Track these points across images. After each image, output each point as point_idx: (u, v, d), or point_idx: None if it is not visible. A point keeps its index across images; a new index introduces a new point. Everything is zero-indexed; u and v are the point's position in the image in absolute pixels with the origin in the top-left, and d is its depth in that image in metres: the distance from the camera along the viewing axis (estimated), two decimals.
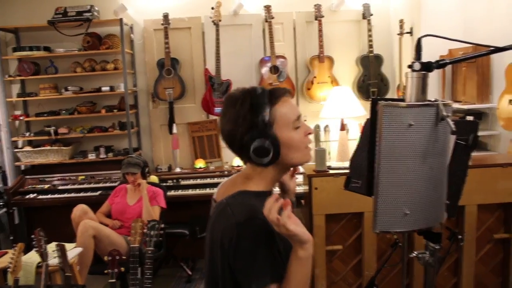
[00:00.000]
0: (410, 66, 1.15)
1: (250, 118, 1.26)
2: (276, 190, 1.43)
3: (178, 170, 4.69)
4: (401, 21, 4.44)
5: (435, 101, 1.13)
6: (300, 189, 3.13)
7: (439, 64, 1.16)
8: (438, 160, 1.16)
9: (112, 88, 4.61)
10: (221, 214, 1.30)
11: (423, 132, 1.12)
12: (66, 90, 4.66)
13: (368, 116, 1.42)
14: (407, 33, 4.42)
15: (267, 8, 4.59)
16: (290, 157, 1.31)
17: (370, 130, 1.28)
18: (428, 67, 1.15)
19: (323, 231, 2.92)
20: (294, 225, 1.14)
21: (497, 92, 3.34)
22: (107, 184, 4.54)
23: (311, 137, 1.39)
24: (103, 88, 4.62)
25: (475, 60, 3.52)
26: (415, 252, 1.45)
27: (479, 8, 3.73)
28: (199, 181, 4.54)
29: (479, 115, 3.64)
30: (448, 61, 1.17)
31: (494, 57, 3.51)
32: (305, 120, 1.37)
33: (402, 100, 1.26)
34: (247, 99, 1.28)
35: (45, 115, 4.69)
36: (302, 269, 1.17)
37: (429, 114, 1.12)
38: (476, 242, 2.98)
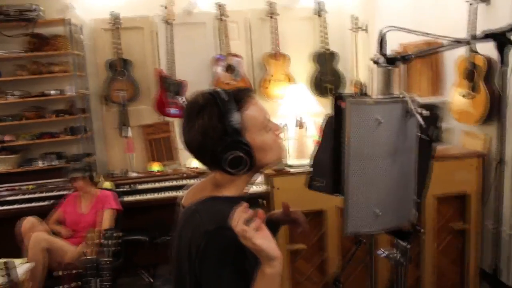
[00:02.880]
0: (375, 62, 1.11)
1: (221, 128, 1.17)
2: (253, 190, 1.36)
3: (134, 174, 4.54)
4: (355, 18, 4.47)
5: (403, 96, 1.09)
6: (260, 189, 3.08)
7: (405, 59, 1.12)
8: (407, 156, 1.12)
9: (61, 92, 4.40)
10: (189, 221, 1.22)
11: (392, 129, 1.07)
12: (11, 95, 4.40)
13: (325, 113, 1.37)
14: (361, 29, 4.45)
15: (220, 6, 4.51)
16: (265, 159, 1.25)
17: (335, 127, 1.23)
18: (393, 61, 1.11)
19: (286, 231, 2.88)
20: (261, 239, 1.04)
21: (450, 86, 3.40)
22: (60, 193, 4.29)
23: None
24: (51, 92, 4.40)
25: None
26: (386, 252, 1.41)
27: (429, 4, 3.79)
28: (156, 185, 4.40)
29: (433, 108, 3.70)
30: (413, 55, 1.13)
31: (446, 51, 3.58)
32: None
33: (365, 95, 1.22)
34: (214, 108, 1.18)
35: None
36: (267, 287, 1.09)
37: (397, 110, 1.08)
38: (437, 234, 3.03)
